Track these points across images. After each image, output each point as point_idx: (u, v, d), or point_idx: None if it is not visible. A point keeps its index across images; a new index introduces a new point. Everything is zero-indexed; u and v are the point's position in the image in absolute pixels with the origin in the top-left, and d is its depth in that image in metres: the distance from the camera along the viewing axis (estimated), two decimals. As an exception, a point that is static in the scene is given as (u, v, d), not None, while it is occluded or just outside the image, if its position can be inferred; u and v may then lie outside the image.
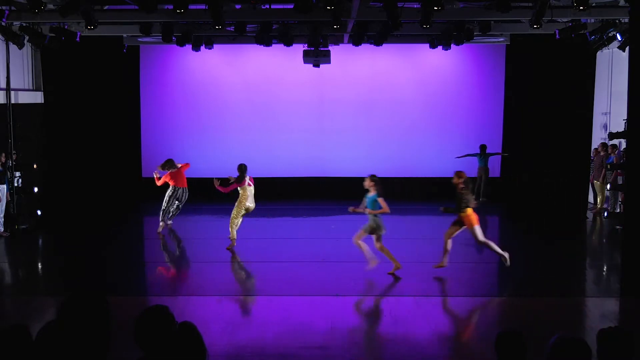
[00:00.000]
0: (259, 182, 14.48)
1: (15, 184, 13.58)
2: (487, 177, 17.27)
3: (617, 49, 14.31)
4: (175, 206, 13.35)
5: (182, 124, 17.78)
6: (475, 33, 14.52)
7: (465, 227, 9.84)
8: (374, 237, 9.84)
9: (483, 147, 17.22)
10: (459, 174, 9.75)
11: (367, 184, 9.72)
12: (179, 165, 13.34)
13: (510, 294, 9.46)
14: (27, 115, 15.44)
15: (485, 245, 9.98)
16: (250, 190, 11.72)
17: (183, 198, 13.36)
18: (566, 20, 13.55)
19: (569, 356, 3.45)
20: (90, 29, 12.42)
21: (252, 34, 14.91)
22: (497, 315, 8.76)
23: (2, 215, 13.03)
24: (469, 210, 9.68)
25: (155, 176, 13.24)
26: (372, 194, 9.70)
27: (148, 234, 14.57)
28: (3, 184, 13.06)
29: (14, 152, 13.81)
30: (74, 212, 15.38)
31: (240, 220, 11.74)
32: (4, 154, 13.35)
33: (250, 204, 11.69)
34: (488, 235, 14.98)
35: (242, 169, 11.68)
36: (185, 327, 3.55)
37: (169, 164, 13.26)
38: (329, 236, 13.53)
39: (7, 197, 13.14)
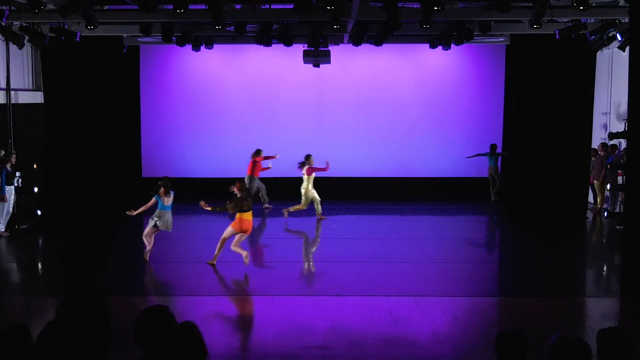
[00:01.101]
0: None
1: (15, 184, 13.57)
2: (497, 176, 17.27)
3: (617, 49, 14.31)
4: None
5: (182, 124, 17.78)
6: (475, 33, 14.52)
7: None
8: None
9: (493, 147, 17.21)
10: (238, 185, 10.36)
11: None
12: (257, 158, 15.68)
13: (510, 294, 9.46)
14: (27, 115, 15.43)
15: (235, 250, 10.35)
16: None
17: (248, 184, 15.05)
18: (566, 20, 13.55)
19: (569, 356, 3.46)
20: (90, 29, 12.42)
21: (252, 34, 14.91)
22: (497, 315, 8.76)
23: (8, 216, 13.06)
24: (246, 215, 10.24)
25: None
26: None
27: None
28: (11, 184, 13.09)
29: (13, 152, 13.82)
30: (74, 212, 15.37)
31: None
32: (14, 155, 13.37)
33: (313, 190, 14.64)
34: (491, 235, 15.04)
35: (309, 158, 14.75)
36: (185, 327, 3.56)
37: (255, 153, 15.78)
38: (329, 236, 13.55)
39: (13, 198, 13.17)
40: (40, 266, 11.68)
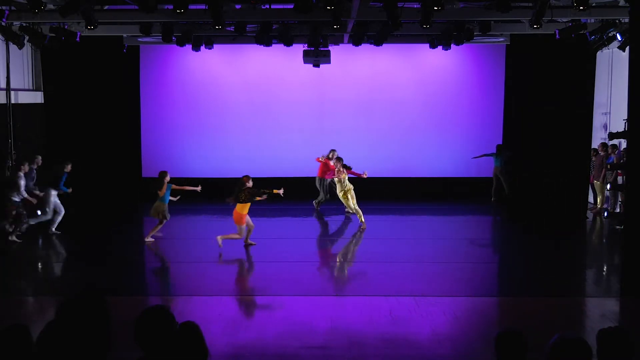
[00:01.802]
0: (259, 183, 14.49)
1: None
2: (503, 177, 17.14)
3: (617, 49, 14.31)
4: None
5: (182, 124, 17.78)
6: (475, 33, 14.53)
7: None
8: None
9: (499, 147, 17.17)
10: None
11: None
12: (320, 159, 15.69)
13: (510, 294, 9.46)
14: (27, 115, 15.44)
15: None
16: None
17: (318, 186, 15.80)
18: (566, 20, 13.55)
19: (569, 356, 3.46)
20: (90, 29, 12.42)
21: (252, 34, 14.91)
22: (497, 315, 8.76)
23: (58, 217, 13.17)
24: (237, 207, 11.45)
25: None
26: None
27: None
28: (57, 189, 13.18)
29: (14, 152, 13.81)
30: (75, 212, 15.35)
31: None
32: (69, 165, 13.44)
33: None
34: (491, 235, 15.04)
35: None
36: (186, 327, 3.56)
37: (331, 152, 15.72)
38: (329, 236, 13.54)
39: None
40: (40, 266, 11.68)
